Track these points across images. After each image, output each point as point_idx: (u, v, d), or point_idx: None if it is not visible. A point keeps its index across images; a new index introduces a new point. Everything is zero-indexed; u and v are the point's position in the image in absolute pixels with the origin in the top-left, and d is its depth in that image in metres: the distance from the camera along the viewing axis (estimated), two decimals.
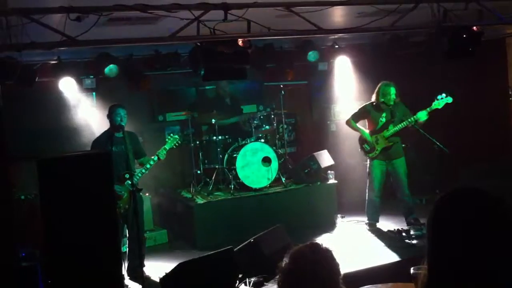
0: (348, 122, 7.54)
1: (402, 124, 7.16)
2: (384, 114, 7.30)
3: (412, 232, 6.94)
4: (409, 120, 7.11)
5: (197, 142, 8.31)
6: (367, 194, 7.57)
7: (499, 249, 1.41)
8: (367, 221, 7.63)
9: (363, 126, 7.56)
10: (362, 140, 7.46)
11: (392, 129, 7.23)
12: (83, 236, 4.75)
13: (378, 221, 7.62)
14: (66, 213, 4.74)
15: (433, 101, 7.07)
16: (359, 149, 7.59)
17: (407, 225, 7.26)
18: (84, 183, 4.83)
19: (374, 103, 7.36)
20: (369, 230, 7.54)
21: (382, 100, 7.19)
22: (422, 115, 7.02)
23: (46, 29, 4.90)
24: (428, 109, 7.03)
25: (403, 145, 7.59)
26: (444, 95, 7.04)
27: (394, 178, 7.42)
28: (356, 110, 7.56)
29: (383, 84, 7.26)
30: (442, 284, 1.46)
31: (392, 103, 7.20)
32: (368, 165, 7.54)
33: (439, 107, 7.02)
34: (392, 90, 7.17)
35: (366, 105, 7.47)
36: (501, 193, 1.51)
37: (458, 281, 1.43)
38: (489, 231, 1.42)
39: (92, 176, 4.89)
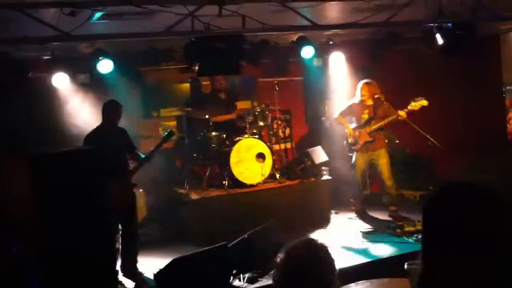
0: (336, 118, 8.09)
1: (384, 120, 7.57)
2: (366, 111, 7.74)
3: (406, 228, 6.98)
4: (393, 116, 7.50)
5: (191, 138, 8.28)
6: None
7: (491, 240, 1.41)
8: (352, 200, 8.13)
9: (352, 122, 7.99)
10: (346, 135, 7.95)
11: (374, 125, 7.63)
12: (77, 231, 4.74)
13: (363, 207, 8.05)
14: (60, 209, 4.72)
15: (409, 102, 7.46)
16: (344, 142, 8.04)
17: (389, 217, 7.76)
18: (78, 179, 4.81)
19: (358, 101, 7.77)
20: (357, 216, 7.94)
21: (363, 98, 7.67)
22: (402, 113, 7.43)
23: (39, 23, 4.87)
24: (405, 109, 7.43)
25: (397, 141, 8.27)
26: (420, 98, 7.43)
27: (375, 169, 7.91)
28: (343, 108, 7.98)
29: (363, 82, 7.71)
30: (438, 277, 1.46)
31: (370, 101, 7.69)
32: (353, 157, 8.00)
33: (416, 108, 7.41)
34: (367, 88, 7.61)
35: (351, 103, 7.88)
36: (495, 188, 1.52)
37: (453, 274, 1.43)
38: (481, 223, 1.43)
39: (86, 172, 4.88)
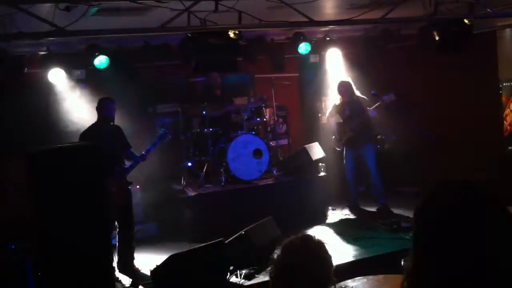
0: (326, 119, 8.56)
1: (361, 116, 7.88)
2: (347, 108, 8.07)
3: (403, 225, 6.99)
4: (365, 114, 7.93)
5: (188, 135, 8.26)
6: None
7: (484, 238, 1.41)
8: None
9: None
10: (333, 131, 8.37)
11: (355, 121, 7.92)
12: (74, 228, 4.73)
13: (355, 204, 8.26)
14: (56, 206, 4.71)
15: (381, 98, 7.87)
16: (333, 137, 8.40)
17: (378, 211, 8.02)
18: (75, 176, 4.80)
19: (340, 100, 8.17)
20: (352, 213, 8.15)
21: (341, 96, 8.12)
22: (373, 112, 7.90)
23: (35, 19, 4.84)
24: (374, 106, 7.86)
25: (378, 136, 8.87)
26: (389, 94, 7.82)
27: (362, 163, 8.15)
28: (330, 109, 8.45)
29: (339, 82, 8.16)
30: (430, 276, 1.46)
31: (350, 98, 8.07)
32: (343, 153, 8.29)
33: (384, 103, 7.81)
34: (345, 86, 8.07)
35: (334, 104, 8.33)
36: (492, 184, 1.53)
37: (445, 271, 1.43)
38: (474, 220, 1.44)
39: (83, 169, 4.86)
